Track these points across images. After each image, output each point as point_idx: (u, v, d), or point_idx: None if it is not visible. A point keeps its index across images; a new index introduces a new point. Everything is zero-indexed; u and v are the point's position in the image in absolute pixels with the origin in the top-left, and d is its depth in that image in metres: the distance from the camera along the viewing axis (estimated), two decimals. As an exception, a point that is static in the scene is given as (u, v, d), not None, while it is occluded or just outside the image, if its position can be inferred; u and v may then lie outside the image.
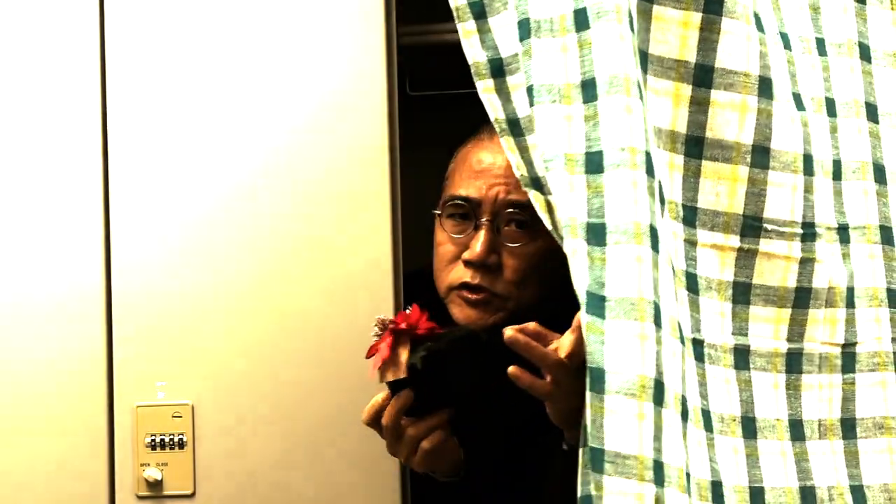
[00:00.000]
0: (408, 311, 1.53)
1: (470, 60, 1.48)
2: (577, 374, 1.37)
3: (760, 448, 1.43)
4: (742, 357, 1.44)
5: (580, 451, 1.33)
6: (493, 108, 1.47)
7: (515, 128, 1.46)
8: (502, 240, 1.65)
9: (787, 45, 1.50)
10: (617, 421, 1.28)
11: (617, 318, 1.30)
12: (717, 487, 1.37)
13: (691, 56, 1.41)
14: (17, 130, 1.67)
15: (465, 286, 1.65)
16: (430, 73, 2.00)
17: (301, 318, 1.64)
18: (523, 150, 1.46)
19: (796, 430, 1.46)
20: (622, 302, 1.30)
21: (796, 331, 1.46)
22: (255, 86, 1.66)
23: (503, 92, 1.47)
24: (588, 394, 1.30)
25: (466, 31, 1.49)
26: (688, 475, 1.32)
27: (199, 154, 1.66)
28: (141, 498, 1.63)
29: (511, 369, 1.39)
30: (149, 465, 1.63)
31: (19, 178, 1.66)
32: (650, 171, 1.35)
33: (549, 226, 1.43)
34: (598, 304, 1.31)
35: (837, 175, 1.50)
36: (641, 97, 1.37)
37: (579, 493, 1.32)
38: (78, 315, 1.65)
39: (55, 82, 1.67)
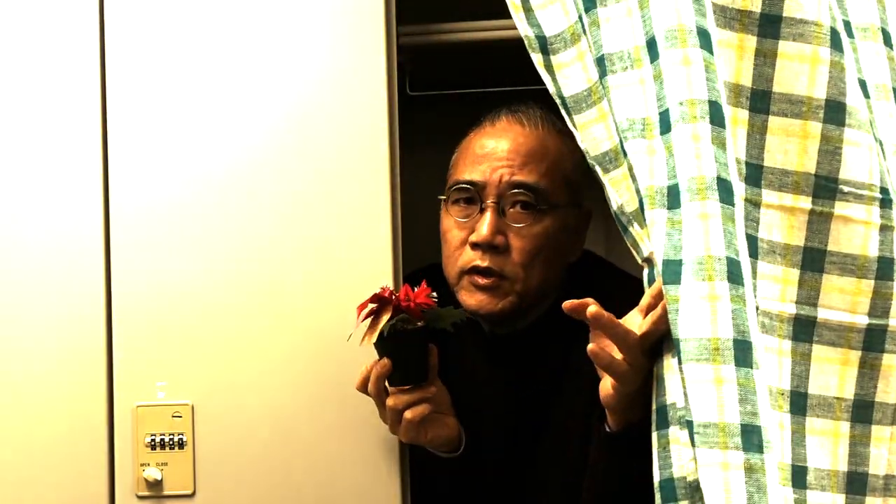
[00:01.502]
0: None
1: (522, 33, 1.48)
2: (648, 353, 1.35)
3: (808, 426, 1.35)
4: (804, 328, 1.36)
5: (653, 434, 1.31)
6: (548, 84, 1.47)
7: (565, 106, 1.45)
8: (508, 221, 1.64)
9: None
10: (695, 390, 1.23)
11: (687, 282, 1.25)
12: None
13: (755, 5, 1.35)
14: (18, 129, 1.67)
15: (475, 270, 1.64)
16: (430, 73, 2.00)
17: (301, 317, 1.64)
18: (574, 129, 1.45)
19: (861, 412, 1.37)
20: (690, 263, 1.25)
21: (880, 305, 1.36)
22: (256, 86, 1.66)
23: (550, 70, 1.46)
24: (678, 366, 1.26)
25: (515, 6, 1.48)
26: None
27: (198, 155, 1.66)
28: (141, 498, 1.63)
29: (590, 347, 1.37)
30: (149, 464, 1.63)
31: (19, 178, 1.66)
32: (716, 121, 1.28)
33: (613, 203, 1.40)
34: (673, 271, 1.27)
35: (882, 153, 1.43)
36: (703, 45, 1.31)
37: (659, 477, 1.29)
38: (78, 315, 1.64)
39: (55, 82, 1.66)
